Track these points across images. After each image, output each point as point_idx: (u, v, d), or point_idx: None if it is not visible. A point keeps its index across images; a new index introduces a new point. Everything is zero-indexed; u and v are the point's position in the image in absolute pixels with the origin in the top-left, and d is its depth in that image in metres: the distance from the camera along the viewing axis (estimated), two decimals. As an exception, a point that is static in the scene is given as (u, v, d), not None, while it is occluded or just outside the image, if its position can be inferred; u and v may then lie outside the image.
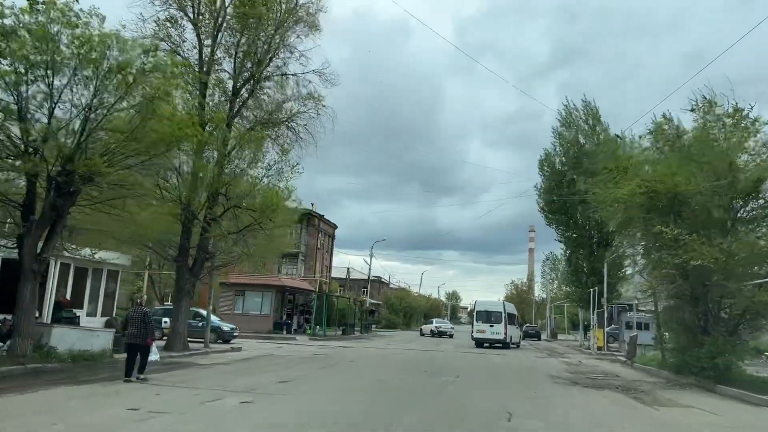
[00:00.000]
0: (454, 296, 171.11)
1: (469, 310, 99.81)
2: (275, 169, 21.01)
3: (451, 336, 53.22)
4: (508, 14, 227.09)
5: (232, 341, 28.21)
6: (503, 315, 34.76)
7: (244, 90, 21.51)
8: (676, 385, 15.75)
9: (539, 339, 55.38)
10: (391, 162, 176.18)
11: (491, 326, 34.65)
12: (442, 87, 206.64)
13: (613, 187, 17.22)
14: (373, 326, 69.81)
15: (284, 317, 39.36)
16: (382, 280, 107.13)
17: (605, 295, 33.23)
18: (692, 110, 17.27)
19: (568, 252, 38.29)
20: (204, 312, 29.27)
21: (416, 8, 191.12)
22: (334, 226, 77.70)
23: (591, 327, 34.28)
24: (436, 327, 55.86)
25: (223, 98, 20.89)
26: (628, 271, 35.71)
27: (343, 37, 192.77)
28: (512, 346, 36.03)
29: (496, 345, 34.97)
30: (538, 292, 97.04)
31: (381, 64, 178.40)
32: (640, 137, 19.89)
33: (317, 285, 57.49)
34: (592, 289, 34.45)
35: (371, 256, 53.06)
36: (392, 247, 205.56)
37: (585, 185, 34.45)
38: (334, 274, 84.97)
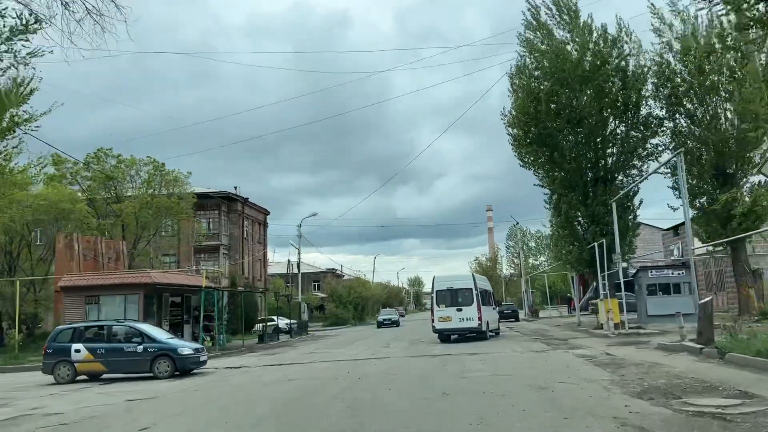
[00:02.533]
0: (416, 282, 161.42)
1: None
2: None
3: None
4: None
5: (198, 369, 17.39)
6: (474, 293, 24.20)
7: None
8: None
9: (517, 319, 45.25)
10: (345, 157, 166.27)
11: (459, 310, 24.04)
12: (388, 76, 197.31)
13: None
14: (313, 325, 58.58)
15: (167, 328, 27.71)
16: (337, 272, 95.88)
17: (618, 250, 22.99)
18: None
19: (554, 198, 27.93)
20: (146, 328, 18.14)
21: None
22: (266, 212, 65.64)
23: (601, 297, 23.96)
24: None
25: None
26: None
27: (283, 34, 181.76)
28: (491, 335, 25.56)
29: (470, 336, 24.42)
30: (505, 267, 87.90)
31: (324, 58, 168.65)
32: None
33: (228, 281, 45.81)
34: (596, 244, 24.17)
35: (300, 236, 41.52)
36: (354, 241, 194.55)
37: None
38: (280, 269, 73.24)
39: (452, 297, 24.52)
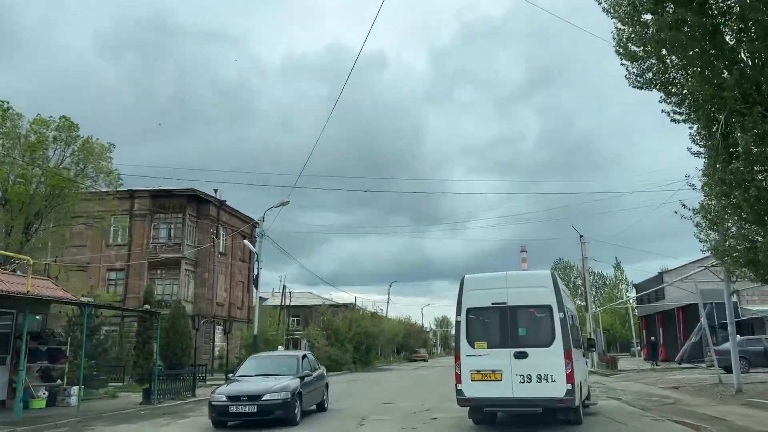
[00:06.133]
0: (444, 323, 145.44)
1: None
2: None
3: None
4: (481, 40, 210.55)
5: None
6: (557, 316, 10.18)
7: None
8: None
9: (585, 373, 30.22)
10: (376, 195, 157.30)
11: (521, 356, 10.07)
12: (421, 116, 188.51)
13: None
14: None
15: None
16: (351, 306, 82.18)
17: None
18: None
19: (715, 132, 13.72)
20: None
21: (390, 39, 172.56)
22: (252, 222, 52.25)
23: None
24: None
25: None
26: None
27: (320, 76, 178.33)
28: (584, 410, 11.47)
29: (537, 415, 10.38)
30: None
31: (359, 99, 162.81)
32: None
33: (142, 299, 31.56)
34: None
35: (262, 236, 27.58)
36: (382, 281, 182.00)
37: None
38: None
39: (504, 324, 10.54)
